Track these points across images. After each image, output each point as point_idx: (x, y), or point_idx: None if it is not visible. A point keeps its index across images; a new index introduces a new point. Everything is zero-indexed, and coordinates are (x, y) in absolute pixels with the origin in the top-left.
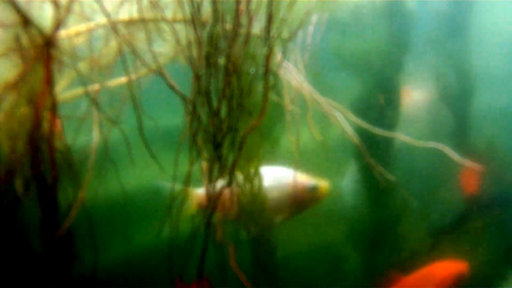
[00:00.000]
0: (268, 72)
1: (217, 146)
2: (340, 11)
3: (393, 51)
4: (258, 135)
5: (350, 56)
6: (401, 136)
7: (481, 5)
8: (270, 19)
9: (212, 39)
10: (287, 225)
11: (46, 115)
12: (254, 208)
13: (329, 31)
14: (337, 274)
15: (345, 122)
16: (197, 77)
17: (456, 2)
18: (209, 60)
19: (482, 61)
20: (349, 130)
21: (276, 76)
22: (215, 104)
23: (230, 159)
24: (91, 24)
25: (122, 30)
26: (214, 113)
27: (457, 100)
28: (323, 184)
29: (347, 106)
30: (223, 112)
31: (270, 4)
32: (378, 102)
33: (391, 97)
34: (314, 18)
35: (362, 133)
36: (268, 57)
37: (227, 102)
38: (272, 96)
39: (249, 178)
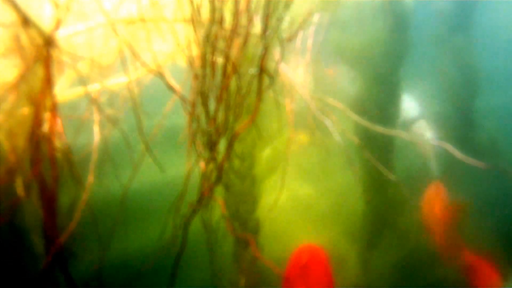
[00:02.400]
0: (263, 71)
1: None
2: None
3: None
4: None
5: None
6: (401, 134)
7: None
8: (267, 18)
9: (209, 39)
10: None
11: (46, 115)
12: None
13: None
14: None
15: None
16: (196, 77)
17: (455, 2)
18: (207, 60)
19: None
20: (337, 135)
21: (275, 75)
22: (213, 104)
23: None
24: (91, 24)
25: (122, 30)
26: (212, 114)
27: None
28: None
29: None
30: (221, 111)
31: (267, 4)
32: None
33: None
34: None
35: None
36: (264, 56)
37: (224, 102)
38: (272, 95)
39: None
